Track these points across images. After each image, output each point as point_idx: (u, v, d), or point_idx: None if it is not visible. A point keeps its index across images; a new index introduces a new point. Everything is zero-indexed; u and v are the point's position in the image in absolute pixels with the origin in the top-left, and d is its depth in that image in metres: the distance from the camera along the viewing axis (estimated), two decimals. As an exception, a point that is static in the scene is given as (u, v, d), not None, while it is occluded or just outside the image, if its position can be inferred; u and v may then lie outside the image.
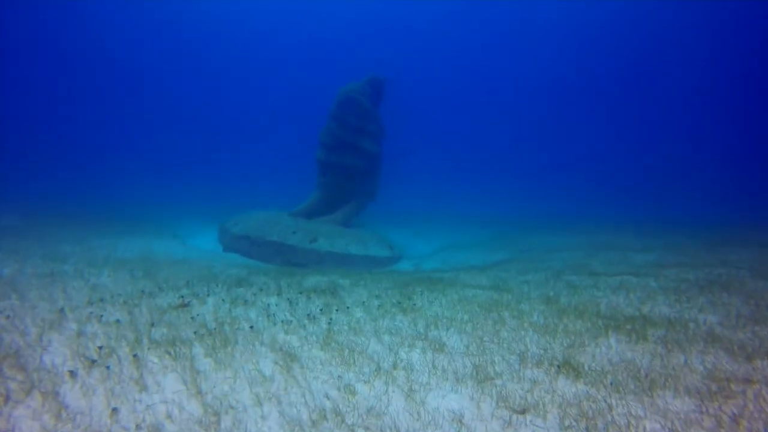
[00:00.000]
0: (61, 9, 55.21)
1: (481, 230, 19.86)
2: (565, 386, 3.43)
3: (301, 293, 6.46)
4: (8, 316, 4.73)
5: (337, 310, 5.57)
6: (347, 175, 15.61)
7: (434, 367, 3.76)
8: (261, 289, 6.68)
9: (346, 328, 4.84)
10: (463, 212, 29.60)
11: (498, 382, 3.49)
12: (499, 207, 34.07)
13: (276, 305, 5.71)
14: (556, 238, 15.99)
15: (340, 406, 3.09)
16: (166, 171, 43.21)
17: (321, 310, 5.57)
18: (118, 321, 4.69)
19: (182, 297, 5.83)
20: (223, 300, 5.89)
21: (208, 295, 6.16)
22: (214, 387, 3.29)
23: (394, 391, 3.33)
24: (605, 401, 3.16)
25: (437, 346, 4.27)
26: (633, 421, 2.89)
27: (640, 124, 65.57)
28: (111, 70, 63.41)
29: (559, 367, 3.71)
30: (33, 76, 59.96)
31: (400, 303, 6.03)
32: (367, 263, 13.01)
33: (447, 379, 3.53)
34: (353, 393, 3.30)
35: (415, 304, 5.94)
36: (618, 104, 66.07)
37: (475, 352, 4.14)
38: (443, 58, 67.18)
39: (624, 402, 3.15)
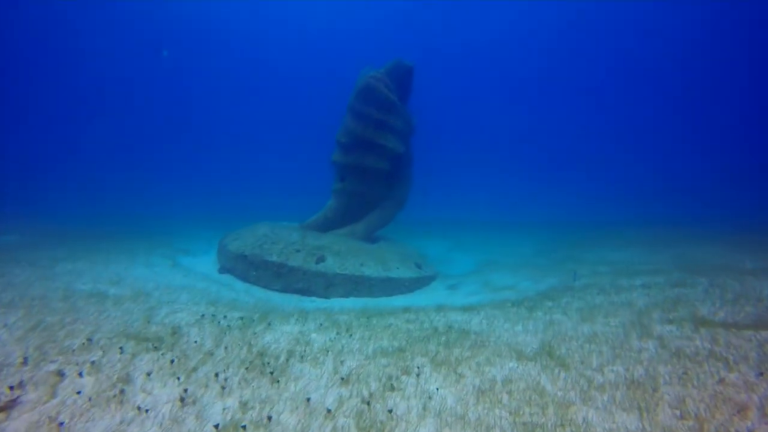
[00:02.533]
0: (66, 11, 52.25)
1: (527, 241, 16.57)
2: None
3: (219, 374, 4.03)
4: None
5: (245, 428, 3.09)
6: (368, 179, 13.08)
7: None
8: (175, 360, 4.35)
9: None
10: (505, 219, 26.13)
11: None
12: (544, 212, 30.06)
13: (147, 412, 3.32)
14: (620, 253, 12.29)
15: None
16: (188, 180, 42.24)
17: (216, 426, 3.11)
18: None
19: (12, 388, 3.62)
20: (78, 392, 3.61)
21: (81, 375, 3.93)
22: None
23: None
24: None
25: None
26: None
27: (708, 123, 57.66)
28: (122, 79, 60.94)
29: None
30: (42, 86, 58.74)
31: (370, 403, 3.44)
32: (388, 287, 10.48)
33: None
34: None
35: (392, 411, 3.32)
36: (685, 103, 58.46)
37: None
38: (484, 56, 61.96)
39: None
